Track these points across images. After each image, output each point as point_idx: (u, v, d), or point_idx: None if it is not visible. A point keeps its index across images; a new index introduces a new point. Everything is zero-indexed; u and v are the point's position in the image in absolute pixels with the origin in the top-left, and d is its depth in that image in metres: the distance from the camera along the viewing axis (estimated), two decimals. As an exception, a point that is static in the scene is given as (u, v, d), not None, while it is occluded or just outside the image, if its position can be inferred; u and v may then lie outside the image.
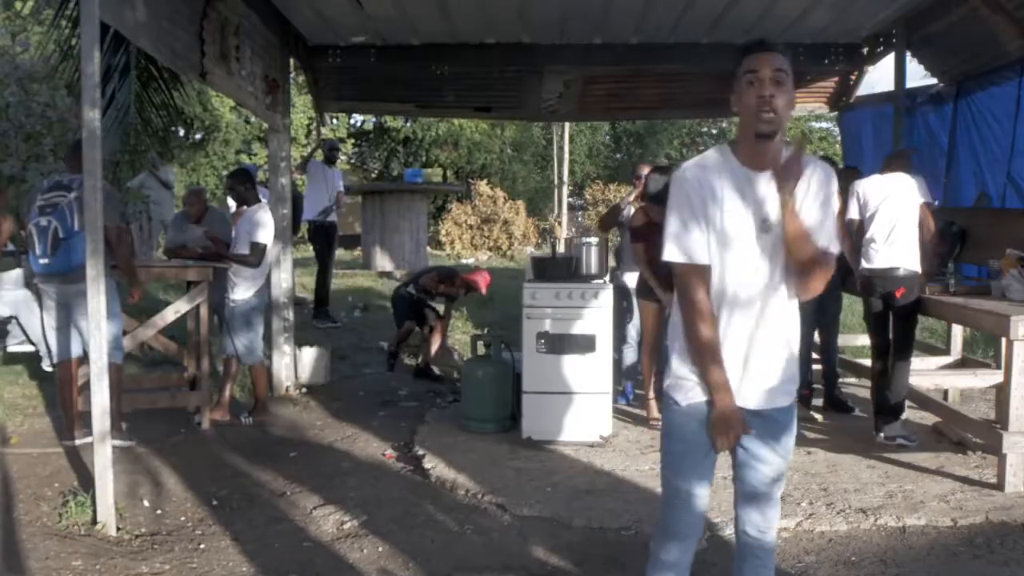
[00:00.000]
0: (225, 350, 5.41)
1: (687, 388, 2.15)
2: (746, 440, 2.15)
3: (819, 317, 5.26)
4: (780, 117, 2.00)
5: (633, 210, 5.70)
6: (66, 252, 4.41)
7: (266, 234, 5.25)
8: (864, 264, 4.67)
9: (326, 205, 8.44)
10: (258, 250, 5.21)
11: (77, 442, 4.52)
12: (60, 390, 4.74)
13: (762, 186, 2.05)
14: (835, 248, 2.10)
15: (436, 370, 6.73)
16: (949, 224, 5.45)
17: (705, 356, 2.08)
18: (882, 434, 4.62)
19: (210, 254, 5.47)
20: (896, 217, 4.58)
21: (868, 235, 4.65)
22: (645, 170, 5.80)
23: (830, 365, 5.54)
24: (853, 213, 4.73)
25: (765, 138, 2.02)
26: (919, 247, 4.59)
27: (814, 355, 5.55)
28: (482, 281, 6.91)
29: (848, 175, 5.41)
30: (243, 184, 5.41)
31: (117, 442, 4.35)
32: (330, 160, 8.91)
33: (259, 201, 5.43)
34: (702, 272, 2.08)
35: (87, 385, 3.96)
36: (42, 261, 4.49)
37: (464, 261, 15.11)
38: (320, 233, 8.48)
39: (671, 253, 2.09)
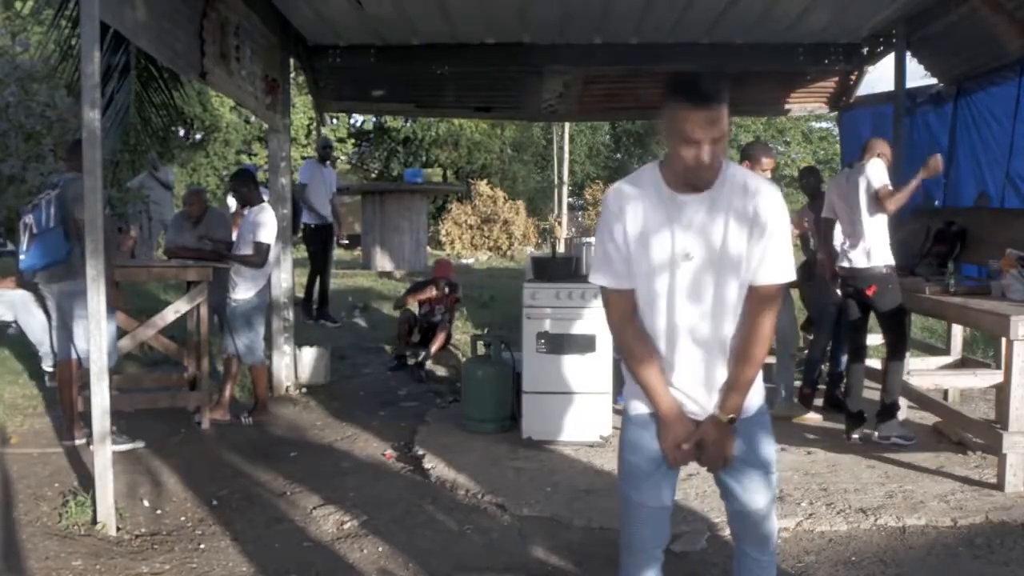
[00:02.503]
0: (226, 350, 5.42)
1: (634, 401, 2.18)
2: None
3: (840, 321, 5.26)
4: (717, 169, 1.96)
5: None
6: (38, 248, 4.40)
7: (269, 234, 5.27)
8: (839, 263, 4.75)
9: (327, 211, 8.32)
10: (262, 250, 5.22)
11: (77, 442, 4.52)
12: (60, 390, 4.74)
13: (687, 211, 2.01)
14: (789, 276, 2.05)
15: (436, 371, 6.74)
16: (949, 224, 5.45)
17: (638, 369, 2.09)
18: (876, 433, 4.63)
19: (211, 254, 5.46)
20: (856, 215, 4.58)
21: (838, 234, 4.75)
22: None
23: (835, 366, 5.54)
24: (828, 212, 4.86)
25: (699, 191, 2.00)
26: (889, 238, 4.59)
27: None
28: (443, 272, 7.16)
29: (809, 174, 5.50)
30: (246, 185, 5.42)
31: (120, 446, 4.35)
32: (323, 158, 8.71)
33: (262, 201, 5.44)
34: (624, 295, 2.10)
35: (85, 386, 3.96)
36: (21, 257, 4.51)
37: (464, 261, 15.11)
38: (317, 235, 8.32)
39: (596, 277, 2.12)
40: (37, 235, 4.39)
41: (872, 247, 4.54)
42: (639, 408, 2.16)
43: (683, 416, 2.09)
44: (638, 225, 2.04)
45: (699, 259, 2.02)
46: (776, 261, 2.02)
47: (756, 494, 2.14)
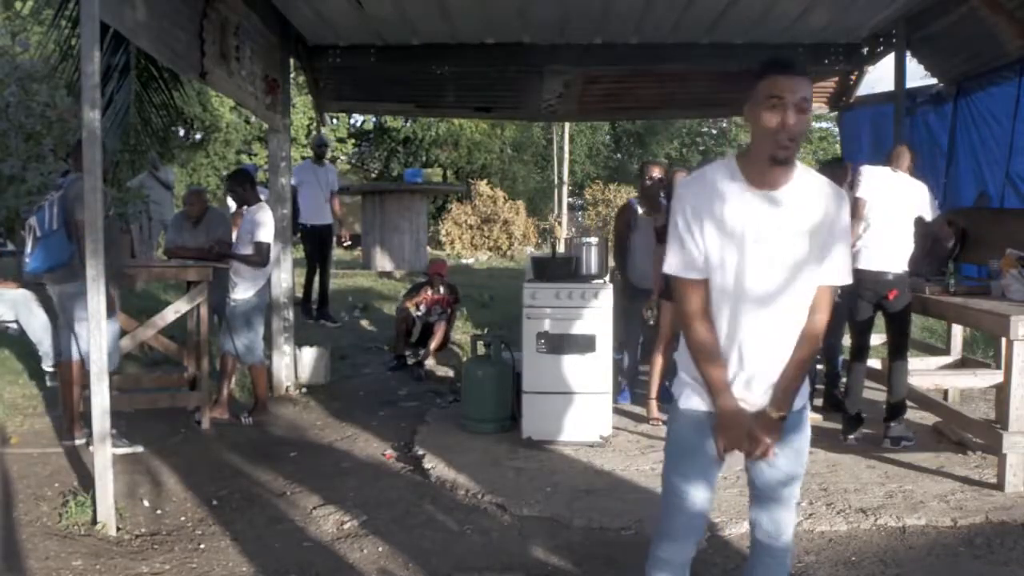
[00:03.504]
0: (223, 348, 5.42)
1: (686, 393, 2.21)
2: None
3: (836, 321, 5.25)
4: (798, 144, 2.00)
5: (641, 210, 5.66)
6: (43, 251, 4.39)
7: (268, 233, 5.28)
8: (856, 264, 4.65)
9: (325, 212, 8.22)
10: (263, 249, 5.23)
11: (77, 442, 4.52)
12: (62, 390, 4.74)
13: (757, 206, 2.05)
14: (846, 280, 2.12)
15: (436, 371, 6.74)
16: (948, 224, 5.45)
17: (702, 361, 2.12)
18: (887, 440, 4.63)
19: (212, 254, 5.46)
20: (895, 220, 4.58)
21: (862, 233, 4.62)
22: (655, 171, 5.74)
23: (832, 366, 5.54)
24: (863, 193, 4.63)
25: (780, 164, 2.02)
26: (913, 252, 4.64)
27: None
28: (437, 269, 7.16)
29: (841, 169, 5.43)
30: (242, 185, 5.42)
31: (120, 450, 4.34)
32: (319, 156, 8.56)
33: (259, 201, 5.44)
34: (697, 285, 2.12)
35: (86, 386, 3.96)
36: (25, 260, 4.50)
37: (464, 261, 15.10)
38: (314, 235, 8.22)
39: (670, 266, 2.15)
40: (41, 238, 4.39)
41: (905, 254, 4.59)
42: (691, 402, 2.19)
43: (741, 414, 2.10)
44: (713, 217, 2.06)
45: (765, 254, 2.05)
46: (834, 263, 2.08)
47: (778, 483, 2.19)
